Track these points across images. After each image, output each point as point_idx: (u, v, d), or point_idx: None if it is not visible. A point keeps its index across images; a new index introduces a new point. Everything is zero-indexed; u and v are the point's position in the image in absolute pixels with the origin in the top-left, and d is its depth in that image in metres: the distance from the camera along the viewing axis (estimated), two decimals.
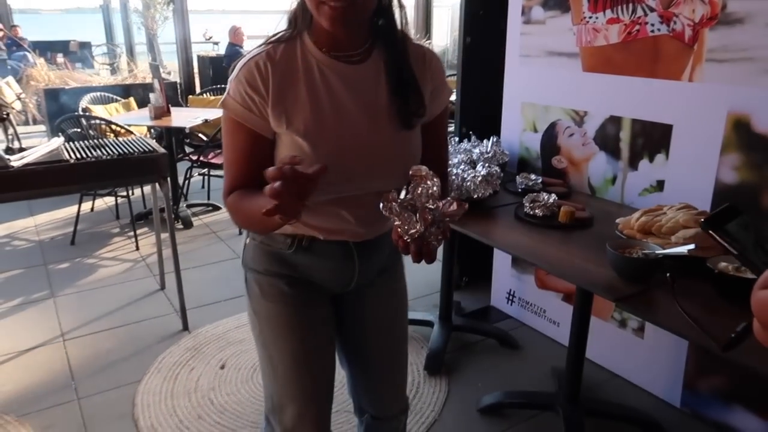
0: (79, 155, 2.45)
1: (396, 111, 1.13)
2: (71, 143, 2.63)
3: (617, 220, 1.79)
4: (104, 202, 4.52)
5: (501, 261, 2.89)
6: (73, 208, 4.09)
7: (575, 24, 2.24)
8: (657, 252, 1.51)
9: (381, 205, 0.90)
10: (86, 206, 4.24)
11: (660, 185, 2.08)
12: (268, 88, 1.07)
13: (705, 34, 1.85)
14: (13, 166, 2.25)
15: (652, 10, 1.97)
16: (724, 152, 1.86)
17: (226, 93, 1.11)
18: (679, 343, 2.14)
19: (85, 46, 12.34)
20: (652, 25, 1.98)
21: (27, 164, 2.29)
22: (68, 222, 4.10)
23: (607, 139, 2.23)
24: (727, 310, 1.38)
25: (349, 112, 1.11)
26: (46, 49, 10.46)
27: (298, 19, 1.11)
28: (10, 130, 2.23)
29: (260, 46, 1.12)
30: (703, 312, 1.42)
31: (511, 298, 2.86)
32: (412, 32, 1.19)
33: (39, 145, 2.48)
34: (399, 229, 0.90)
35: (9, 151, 2.41)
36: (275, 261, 1.23)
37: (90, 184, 2.66)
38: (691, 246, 1.44)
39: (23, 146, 2.48)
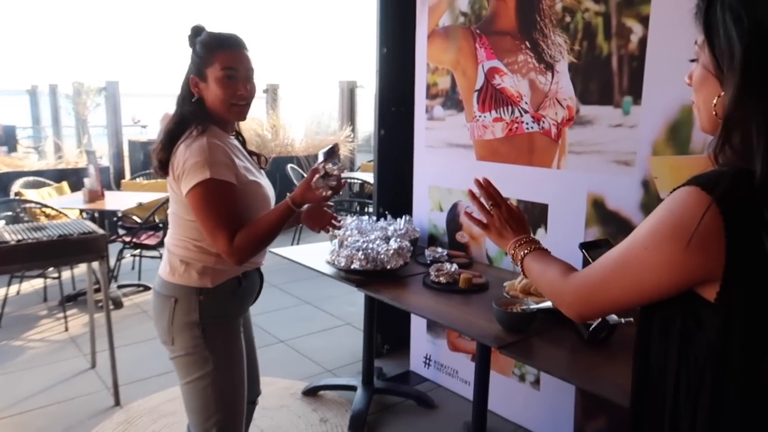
0: (19, 237, 2.60)
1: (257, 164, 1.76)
2: (10, 226, 2.77)
3: (504, 284, 2.14)
4: (30, 285, 4.52)
5: (417, 328, 3.17)
6: None
7: (468, 121, 2.68)
8: (532, 307, 1.84)
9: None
10: (12, 289, 4.24)
11: None
12: (230, 154, 1.56)
13: (566, 132, 2.30)
14: None
15: (526, 112, 2.43)
16: (588, 225, 2.27)
17: (204, 171, 1.48)
18: (568, 393, 2.46)
19: (8, 128, 12.21)
20: (527, 123, 2.43)
21: None
22: None
23: None
24: (585, 350, 1.72)
25: (256, 169, 1.70)
26: None
27: (199, 118, 1.57)
28: None
29: (194, 137, 1.53)
30: (569, 352, 1.76)
31: (427, 361, 3.13)
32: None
33: None
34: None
35: None
36: (229, 302, 1.65)
37: (31, 264, 2.78)
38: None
39: None
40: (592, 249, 1.82)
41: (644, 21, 2.01)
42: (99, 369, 3.19)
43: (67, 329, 3.75)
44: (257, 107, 9.19)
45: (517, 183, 2.51)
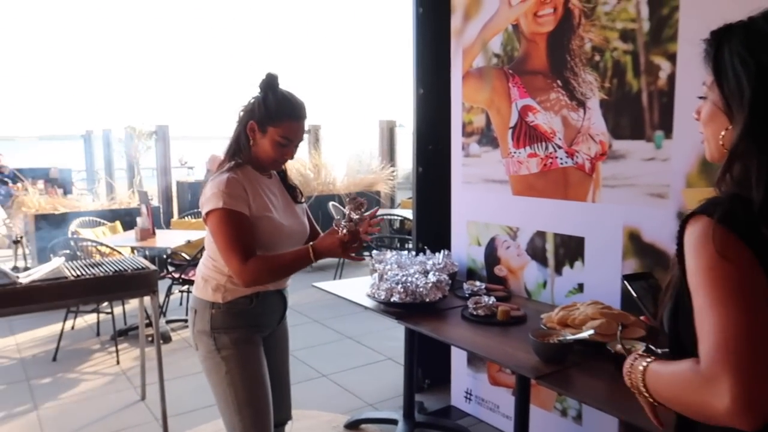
0: (78, 273, 2.77)
1: (292, 199, 1.96)
2: (68, 262, 2.95)
3: (542, 316, 2.16)
4: (84, 321, 4.72)
5: (458, 362, 3.19)
6: (54, 327, 4.32)
7: (504, 157, 2.75)
8: (569, 338, 1.87)
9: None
10: (67, 325, 4.44)
11: (581, 287, 2.48)
12: (246, 191, 1.75)
13: (599, 166, 2.35)
14: (20, 283, 2.55)
15: (560, 147, 2.49)
16: (625, 258, 2.29)
17: (219, 201, 1.69)
18: (611, 428, 2.44)
19: (64, 172, 12.87)
20: (561, 159, 2.48)
21: (33, 281, 2.60)
22: (49, 340, 4.28)
23: (536, 250, 2.66)
24: (621, 380, 1.73)
25: (281, 205, 1.88)
26: (27, 175, 10.92)
27: (241, 155, 1.82)
28: (20, 251, 2.50)
29: (223, 171, 1.77)
30: (607, 382, 1.77)
31: (468, 396, 3.14)
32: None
33: (42, 265, 2.80)
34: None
35: (15, 269, 2.72)
36: (238, 317, 1.81)
37: (88, 298, 2.94)
38: (591, 331, 1.81)
39: (28, 266, 2.78)
40: (634, 281, 1.84)
41: (671, 58, 2.06)
42: (149, 401, 3.31)
43: (118, 362, 3.91)
44: (300, 148, 9.49)
45: (553, 217, 2.55)
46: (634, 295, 1.26)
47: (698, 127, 0.99)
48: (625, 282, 1.57)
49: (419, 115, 3.25)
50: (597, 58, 2.32)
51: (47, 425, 3.06)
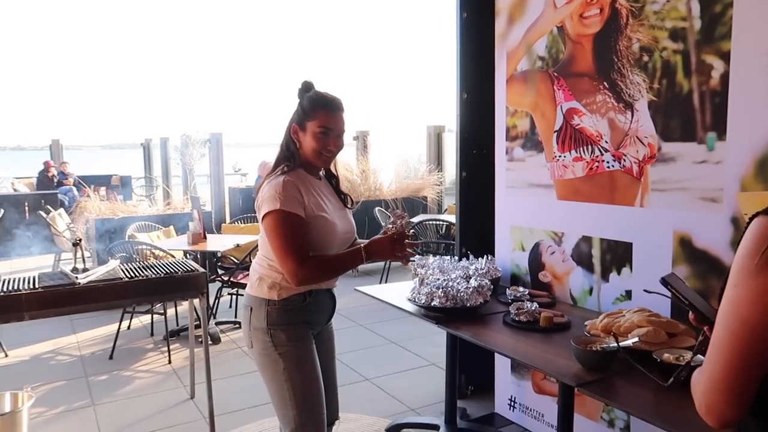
0: (132, 274, 2.88)
1: (342, 203, 2.02)
2: (123, 264, 3.07)
3: (586, 323, 2.11)
4: (140, 321, 4.90)
5: (501, 369, 3.15)
6: (111, 327, 4.51)
7: (548, 161, 2.71)
8: (612, 345, 1.82)
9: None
10: (123, 324, 4.62)
11: (629, 294, 2.41)
12: (301, 192, 1.81)
13: (648, 169, 2.28)
14: (79, 283, 2.67)
15: (606, 150, 2.43)
16: (675, 264, 2.21)
17: (276, 203, 1.77)
18: None
19: (125, 179, 13.42)
20: (608, 162, 2.42)
21: (91, 282, 2.72)
22: (107, 339, 4.47)
23: (582, 255, 2.60)
24: (672, 391, 1.66)
25: (334, 207, 1.95)
26: (90, 182, 11.45)
27: (292, 160, 1.89)
28: (79, 254, 2.62)
29: (278, 174, 1.85)
30: (653, 393, 1.71)
31: (512, 404, 3.09)
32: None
33: (99, 267, 2.93)
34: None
35: (75, 270, 2.85)
36: (293, 314, 1.87)
37: (141, 299, 3.06)
38: (636, 339, 1.76)
39: (87, 267, 2.91)
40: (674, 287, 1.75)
41: (725, 57, 1.98)
42: (197, 400, 3.40)
43: (170, 362, 4.03)
44: (348, 153, 9.58)
45: (600, 221, 2.49)
46: (684, 302, 1.18)
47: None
48: (669, 287, 1.42)
49: (463, 120, 3.24)
50: (645, 58, 2.26)
51: (103, 420, 3.18)
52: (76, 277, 2.69)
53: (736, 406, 0.83)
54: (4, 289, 2.54)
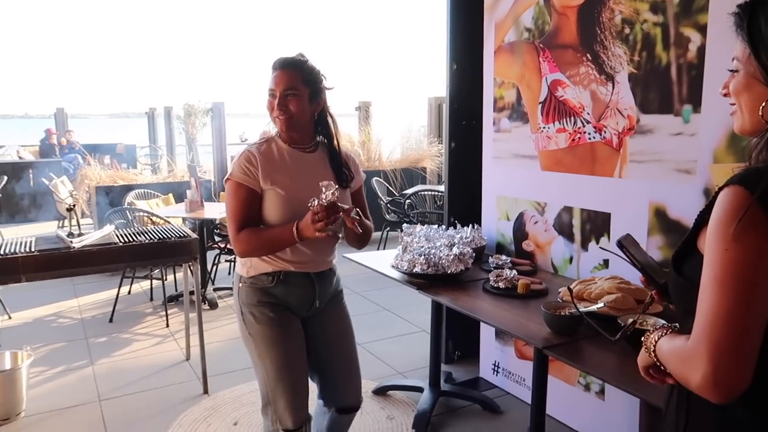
0: (126, 239, 2.96)
1: (335, 178, 1.86)
2: (119, 230, 3.15)
3: (559, 290, 2.18)
4: (140, 286, 5.02)
5: (486, 335, 3.23)
6: (112, 291, 4.62)
7: (533, 133, 2.74)
8: (580, 310, 1.88)
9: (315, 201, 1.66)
10: (124, 289, 4.73)
11: (606, 263, 2.47)
12: (257, 163, 1.80)
13: (627, 141, 2.32)
14: (74, 247, 2.76)
15: (588, 122, 2.46)
16: (650, 234, 2.26)
17: (231, 171, 1.80)
18: (633, 404, 2.44)
19: (130, 148, 13.48)
20: (589, 134, 2.46)
21: (85, 246, 2.80)
22: (107, 302, 4.58)
23: (563, 225, 2.66)
24: (634, 355, 1.74)
25: (306, 178, 1.82)
26: (95, 151, 11.53)
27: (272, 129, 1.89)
28: (74, 219, 2.69)
29: (253, 145, 1.86)
30: (617, 356, 1.78)
31: (496, 369, 3.18)
32: (341, 135, 1.97)
33: (95, 232, 3.01)
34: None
35: (70, 235, 2.93)
36: (262, 294, 1.85)
37: (134, 263, 3.15)
38: (601, 304, 1.83)
39: (82, 232, 2.99)
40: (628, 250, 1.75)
41: (702, 30, 2.01)
42: (192, 361, 3.51)
43: (168, 325, 4.15)
44: (350, 124, 9.60)
45: (581, 192, 2.54)
46: (627, 258, 1.24)
47: (729, 100, 0.97)
48: (622, 250, 1.37)
49: (452, 91, 3.27)
50: (627, 30, 2.27)
51: (101, 379, 3.30)
52: (71, 242, 2.78)
53: (747, 373, 0.80)
54: (2, 252, 2.63)
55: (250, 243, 1.77)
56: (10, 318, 4.33)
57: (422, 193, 6.16)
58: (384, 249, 6.08)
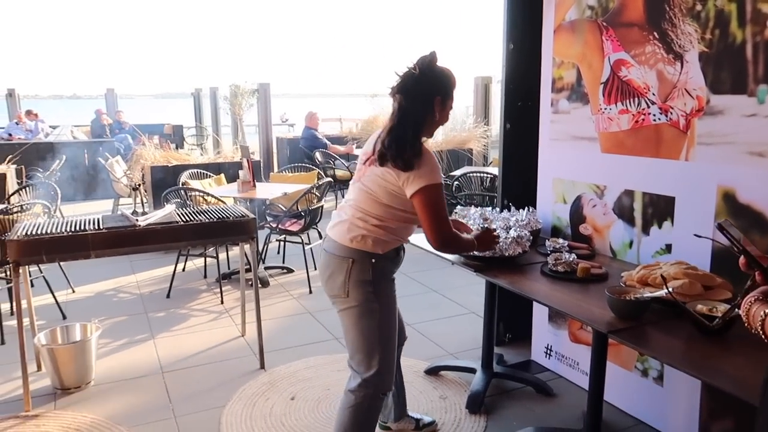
0: (187, 219, 3.05)
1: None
2: (178, 209, 3.25)
3: (622, 274, 2.15)
4: (193, 264, 5.16)
5: (539, 318, 3.22)
6: (167, 268, 4.78)
7: (593, 114, 2.69)
8: (646, 295, 1.86)
9: None
10: (179, 267, 4.88)
11: (668, 248, 2.42)
12: None
13: (695, 122, 2.25)
14: (139, 225, 2.86)
15: (653, 103, 2.40)
16: (717, 219, 2.20)
17: (438, 176, 1.93)
18: (693, 390, 2.40)
19: (177, 128, 13.76)
20: (654, 115, 2.40)
21: (149, 224, 2.90)
22: (164, 279, 4.74)
23: (623, 209, 2.61)
24: (701, 341, 1.71)
25: None
26: (144, 131, 11.83)
27: (425, 131, 2.03)
28: (138, 198, 2.81)
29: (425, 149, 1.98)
30: (684, 342, 1.75)
31: (548, 352, 3.17)
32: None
33: (157, 210, 3.11)
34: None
35: (134, 214, 3.04)
36: (392, 266, 2.11)
37: (195, 241, 3.24)
38: (670, 289, 1.79)
39: (145, 211, 3.10)
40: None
41: None
42: (247, 337, 3.61)
43: (222, 302, 4.27)
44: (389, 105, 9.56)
45: (643, 175, 2.49)
46: (729, 241, 1.23)
47: None
48: (722, 231, 1.36)
49: (509, 71, 3.22)
50: (698, 7, 2.20)
51: (163, 352, 3.44)
52: (137, 220, 2.87)
53: None
54: (73, 230, 2.74)
55: (456, 243, 2.09)
56: (74, 292, 4.53)
57: (469, 174, 6.12)
58: None
